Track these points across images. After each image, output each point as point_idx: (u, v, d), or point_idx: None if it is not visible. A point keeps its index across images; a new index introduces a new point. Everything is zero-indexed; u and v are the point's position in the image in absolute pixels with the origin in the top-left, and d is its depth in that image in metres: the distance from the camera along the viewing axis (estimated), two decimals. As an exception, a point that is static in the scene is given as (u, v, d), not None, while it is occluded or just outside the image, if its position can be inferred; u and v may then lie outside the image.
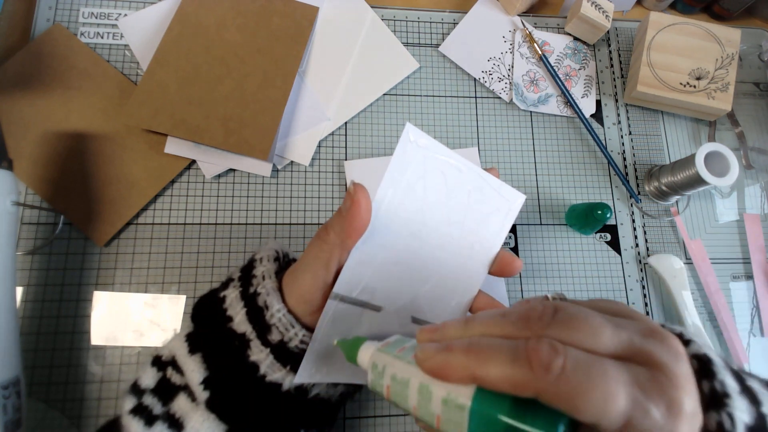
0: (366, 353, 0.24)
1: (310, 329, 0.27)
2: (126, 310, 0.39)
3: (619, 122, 0.50)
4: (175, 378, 0.27)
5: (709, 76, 0.48)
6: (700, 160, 0.42)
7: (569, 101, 0.49)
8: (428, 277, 0.30)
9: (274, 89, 0.44)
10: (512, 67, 0.50)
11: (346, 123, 0.46)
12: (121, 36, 0.45)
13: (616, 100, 0.51)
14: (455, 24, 0.51)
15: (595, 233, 0.46)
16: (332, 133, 0.46)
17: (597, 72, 0.52)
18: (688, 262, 0.46)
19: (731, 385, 0.19)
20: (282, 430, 0.27)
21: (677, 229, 0.47)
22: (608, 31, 0.53)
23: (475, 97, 0.49)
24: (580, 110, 0.48)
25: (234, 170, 0.44)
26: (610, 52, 0.53)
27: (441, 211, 0.29)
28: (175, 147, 0.42)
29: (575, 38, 0.52)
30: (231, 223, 0.42)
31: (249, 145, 0.41)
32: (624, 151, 0.49)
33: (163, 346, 0.29)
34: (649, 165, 0.49)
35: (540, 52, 0.50)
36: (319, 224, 0.43)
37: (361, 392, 0.39)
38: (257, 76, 0.44)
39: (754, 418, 0.18)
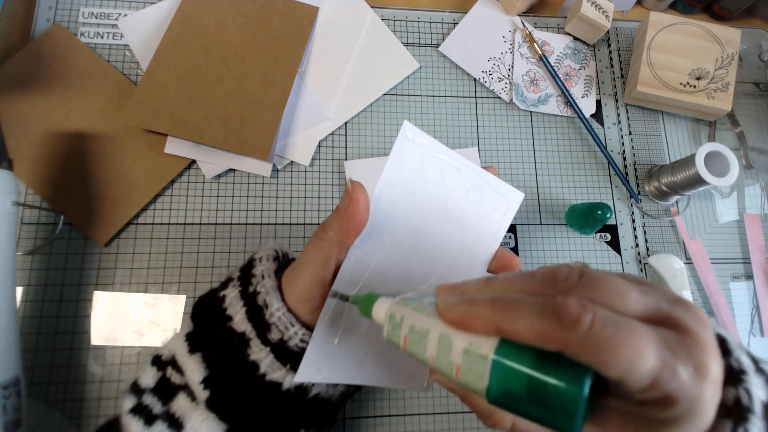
0: (382, 306, 0.23)
1: (310, 328, 0.27)
2: (126, 310, 0.39)
3: (619, 122, 0.50)
4: (175, 377, 0.27)
5: (709, 76, 0.48)
6: (700, 160, 0.42)
7: (569, 101, 0.49)
8: (427, 275, 0.30)
9: (274, 89, 0.44)
10: (512, 67, 0.50)
11: (346, 123, 0.46)
12: (121, 36, 0.45)
13: (616, 100, 0.51)
14: (455, 24, 0.51)
15: (595, 233, 0.46)
16: (332, 133, 0.46)
17: (597, 72, 0.52)
18: (688, 262, 0.46)
19: (747, 362, 0.19)
20: (282, 430, 0.27)
21: (677, 229, 0.47)
22: (608, 31, 0.53)
23: (475, 97, 0.49)
24: (580, 110, 0.48)
25: (234, 170, 0.44)
26: (610, 52, 0.53)
27: (439, 209, 0.29)
28: (175, 147, 0.42)
29: (575, 38, 0.52)
30: (231, 223, 0.42)
31: (249, 145, 0.41)
32: (624, 151, 0.49)
33: (163, 346, 0.29)
34: (649, 165, 0.49)
35: (540, 52, 0.50)
36: (319, 224, 0.43)
37: (361, 392, 0.39)
38: (257, 76, 0.44)
39: None
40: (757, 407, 0.18)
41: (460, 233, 0.30)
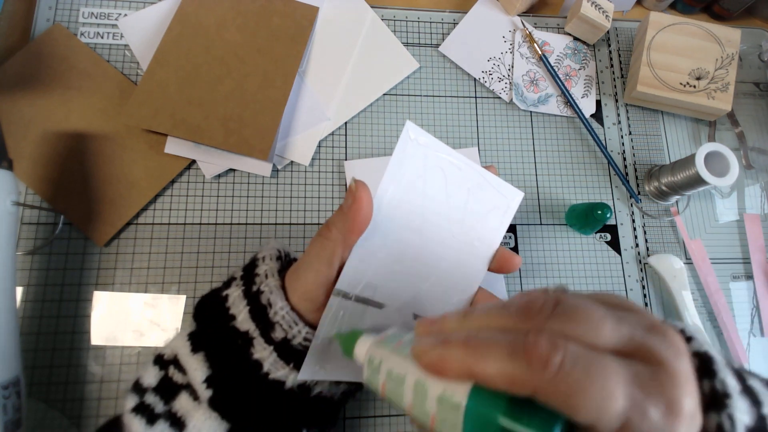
0: (362, 347, 0.24)
1: (313, 327, 0.27)
2: (126, 310, 0.39)
3: (619, 122, 0.50)
4: (177, 377, 0.27)
5: (709, 76, 0.48)
6: (700, 160, 0.42)
7: (569, 101, 0.49)
8: (429, 274, 0.30)
9: (274, 89, 0.44)
10: (512, 67, 0.50)
11: (346, 123, 0.46)
12: (121, 36, 0.45)
13: (616, 100, 0.51)
14: (455, 24, 0.51)
15: (595, 233, 0.46)
16: (332, 133, 0.46)
17: (597, 72, 0.52)
18: (688, 262, 0.46)
19: (732, 384, 0.18)
20: (284, 429, 0.27)
21: (677, 229, 0.47)
22: (608, 31, 0.53)
23: (475, 97, 0.49)
24: (580, 110, 0.48)
25: (234, 170, 0.44)
26: (610, 52, 0.53)
27: (441, 208, 0.29)
28: (175, 147, 0.42)
29: (575, 38, 0.52)
30: (231, 223, 0.42)
31: (249, 145, 0.41)
32: (624, 151, 0.49)
33: (165, 345, 0.29)
34: (649, 165, 0.49)
35: (540, 52, 0.50)
36: (319, 224, 0.43)
37: (362, 391, 0.39)
38: (257, 76, 0.44)
39: (755, 420, 0.18)
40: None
41: (462, 232, 0.30)
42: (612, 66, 0.52)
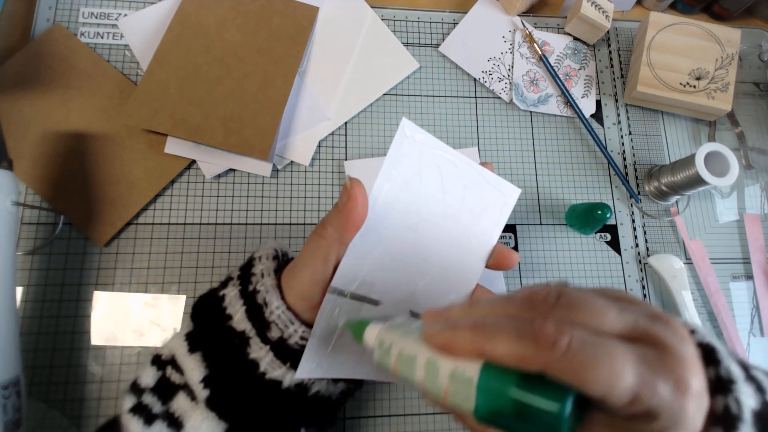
0: (372, 332, 0.24)
1: (310, 325, 0.27)
2: (126, 310, 0.39)
3: (619, 122, 0.50)
4: (175, 377, 0.27)
5: (709, 76, 0.48)
6: (700, 160, 0.42)
7: (569, 101, 0.49)
8: (426, 271, 0.30)
9: (274, 89, 0.44)
10: (512, 67, 0.50)
11: (346, 123, 0.46)
12: (121, 36, 0.45)
13: (616, 100, 0.51)
14: (455, 24, 0.51)
15: (595, 233, 0.46)
16: (332, 133, 0.46)
17: (597, 72, 0.52)
18: (688, 262, 0.46)
19: (736, 371, 0.19)
20: (282, 428, 0.27)
21: (677, 229, 0.47)
22: (608, 31, 0.53)
23: (475, 97, 0.49)
24: (580, 110, 0.48)
25: (234, 170, 0.44)
26: (610, 52, 0.53)
27: (437, 205, 0.29)
28: (175, 147, 0.42)
29: (575, 38, 0.52)
30: (231, 223, 0.42)
31: (249, 145, 0.41)
32: (624, 151, 0.49)
33: (163, 346, 0.29)
34: (649, 165, 0.49)
35: (540, 52, 0.50)
36: (319, 224, 0.43)
37: (361, 390, 0.39)
38: (257, 76, 0.44)
39: (760, 404, 0.19)
40: (747, 415, 0.18)
41: (458, 229, 0.30)
42: (612, 66, 0.52)
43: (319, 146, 0.45)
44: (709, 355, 0.19)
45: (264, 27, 0.45)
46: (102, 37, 0.45)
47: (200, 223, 0.42)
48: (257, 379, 0.26)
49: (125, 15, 0.46)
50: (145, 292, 0.40)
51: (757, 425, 0.18)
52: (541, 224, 0.46)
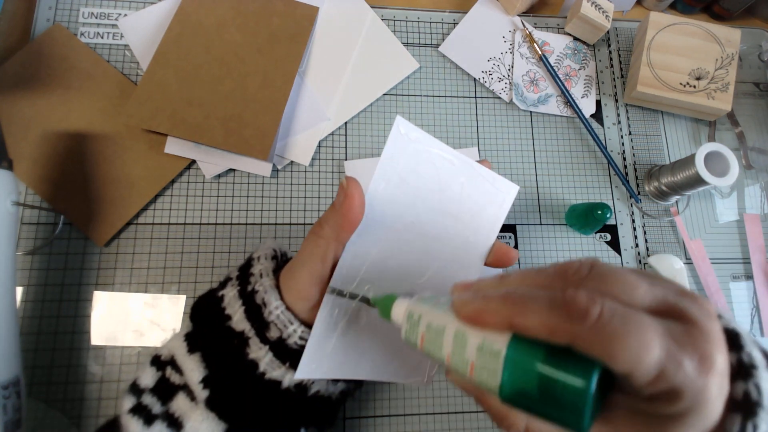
0: (401, 305, 0.24)
1: (309, 325, 0.27)
2: (126, 310, 0.39)
3: (619, 122, 0.50)
4: (174, 377, 0.28)
5: (709, 76, 0.48)
6: (700, 160, 0.42)
7: (569, 101, 0.49)
8: (424, 270, 0.30)
9: (274, 89, 0.44)
10: (512, 67, 0.50)
11: (346, 123, 0.46)
12: (121, 36, 0.45)
13: (616, 100, 0.51)
14: (455, 24, 0.51)
15: (595, 233, 0.46)
16: (332, 133, 0.46)
17: (597, 72, 0.52)
18: (688, 262, 0.46)
19: (758, 357, 0.19)
20: (282, 428, 0.27)
21: (677, 229, 0.47)
22: (608, 31, 0.53)
23: (475, 97, 0.49)
24: (580, 110, 0.48)
25: (234, 170, 0.44)
26: (610, 52, 0.53)
27: (434, 203, 0.29)
28: (175, 147, 0.42)
29: (575, 38, 0.52)
30: (231, 223, 0.42)
31: (249, 145, 0.41)
32: (624, 151, 0.49)
33: (162, 346, 0.29)
34: (649, 165, 0.49)
35: (540, 52, 0.50)
36: (319, 224, 0.43)
37: (361, 390, 0.39)
38: (257, 76, 0.44)
39: None
40: (766, 401, 0.18)
41: (456, 227, 0.30)
42: (612, 66, 0.52)
43: (319, 146, 0.45)
44: (732, 341, 0.19)
45: (264, 27, 0.45)
46: (102, 37, 0.45)
47: (200, 223, 0.42)
48: (257, 379, 0.26)
49: (125, 15, 0.46)
50: (145, 292, 0.40)
51: None
52: (541, 224, 0.46)
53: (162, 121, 0.41)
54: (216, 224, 0.42)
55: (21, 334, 0.37)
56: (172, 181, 0.43)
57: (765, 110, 0.52)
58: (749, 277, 0.47)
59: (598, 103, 0.51)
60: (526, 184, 0.47)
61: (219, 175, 0.43)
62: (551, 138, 0.49)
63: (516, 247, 0.45)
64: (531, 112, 0.49)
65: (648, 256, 0.46)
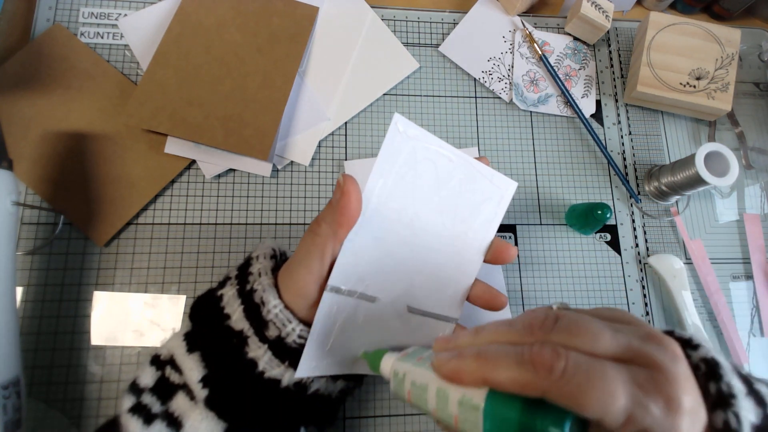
0: (387, 363, 0.26)
1: (309, 324, 0.27)
2: (126, 310, 0.39)
3: (619, 122, 0.50)
4: (174, 377, 0.28)
5: (709, 76, 0.48)
6: (700, 160, 0.42)
7: (569, 101, 0.49)
8: (422, 267, 0.30)
9: (274, 89, 0.44)
10: (512, 67, 0.50)
11: (346, 123, 0.46)
12: (121, 36, 0.45)
13: (616, 100, 0.51)
14: (455, 24, 0.51)
15: (595, 233, 0.46)
16: (332, 133, 0.46)
17: (597, 72, 0.52)
18: (688, 262, 0.46)
19: (737, 386, 0.19)
20: (282, 427, 0.27)
21: (677, 229, 0.47)
22: (608, 31, 0.53)
23: (475, 97, 0.49)
24: (580, 110, 0.48)
25: (234, 170, 0.44)
26: (610, 52, 0.53)
27: (432, 200, 0.29)
28: (175, 147, 0.42)
29: (575, 38, 0.52)
30: (231, 223, 0.42)
31: (249, 145, 0.41)
32: (624, 151, 0.49)
33: (162, 346, 0.29)
34: (649, 165, 0.49)
35: (540, 52, 0.50)
36: (319, 224, 0.43)
37: (361, 389, 0.39)
38: (257, 76, 0.44)
39: (761, 418, 0.19)
40: (746, 429, 0.18)
41: (455, 224, 0.30)
42: (612, 66, 0.52)
43: (319, 146, 0.45)
44: (711, 370, 0.20)
45: (264, 27, 0.45)
46: (102, 37, 0.45)
47: (200, 223, 0.42)
48: (256, 378, 0.26)
49: (125, 15, 0.46)
50: (145, 292, 0.40)
51: None
52: (541, 224, 0.46)
53: (162, 121, 0.41)
54: (216, 224, 0.42)
55: (21, 334, 0.37)
56: (172, 181, 0.43)
57: (765, 110, 0.52)
58: (749, 277, 0.47)
59: (598, 103, 0.51)
60: (526, 184, 0.47)
61: (219, 175, 0.43)
62: (551, 138, 0.49)
63: (516, 247, 0.45)
64: (531, 112, 0.49)
65: (648, 256, 0.46)
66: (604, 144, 0.48)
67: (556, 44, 0.52)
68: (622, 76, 0.52)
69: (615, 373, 0.17)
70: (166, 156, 0.42)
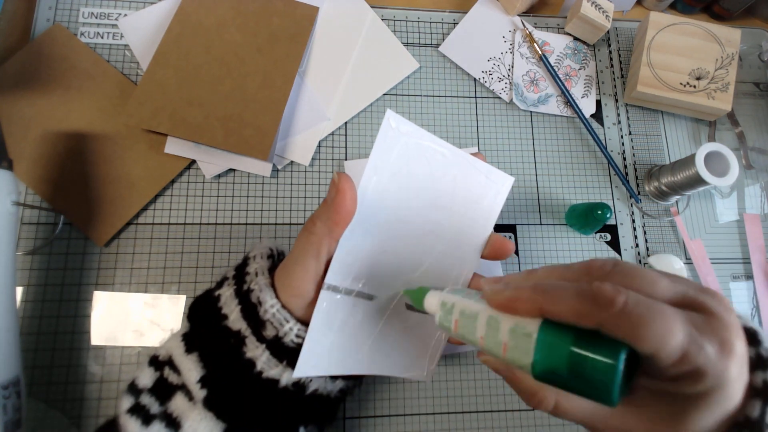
0: (434, 296, 0.26)
1: (306, 323, 0.27)
2: (126, 310, 0.39)
3: (619, 122, 0.50)
4: (172, 377, 0.28)
5: (709, 76, 0.48)
6: (700, 160, 0.42)
7: (569, 101, 0.49)
8: (419, 264, 0.30)
9: (274, 89, 0.44)
10: (512, 67, 0.50)
11: (346, 123, 0.46)
12: (121, 36, 0.45)
13: (616, 100, 0.51)
14: (455, 24, 0.51)
15: (595, 233, 0.46)
16: (332, 133, 0.46)
17: (597, 72, 0.52)
18: (688, 262, 0.46)
19: None
20: (281, 427, 0.27)
21: (677, 229, 0.47)
22: (608, 31, 0.53)
23: (475, 97, 0.49)
24: (580, 110, 0.48)
25: (234, 170, 0.44)
26: (610, 52, 0.53)
27: (427, 196, 0.29)
28: (175, 147, 0.42)
29: (575, 38, 0.52)
30: (231, 223, 0.42)
31: (249, 145, 0.41)
32: (624, 151, 0.49)
33: (160, 346, 0.29)
34: (649, 165, 0.49)
35: (540, 52, 0.50)
36: (318, 224, 0.43)
37: (361, 390, 0.39)
38: (257, 76, 0.44)
39: None
40: None
41: (450, 219, 0.30)
42: (612, 66, 0.52)
43: (319, 146, 0.45)
44: (751, 337, 0.20)
45: (264, 27, 0.45)
46: (102, 37, 0.45)
47: (200, 223, 0.42)
48: (254, 378, 0.26)
49: (125, 15, 0.46)
50: (145, 292, 0.40)
51: None
52: (541, 224, 0.46)
53: (162, 121, 0.41)
54: (216, 224, 0.42)
55: (21, 334, 0.37)
56: (172, 181, 0.43)
57: (765, 110, 0.52)
58: (749, 277, 0.47)
59: (598, 103, 0.50)
60: (526, 184, 0.47)
61: (219, 175, 0.43)
62: (551, 138, 0.49)
63: (516, 247, 0.45)
64: (531, 112, 0.49)
65: (648, 256, 0.46)
66: (604, 144, 0.48)
67: (556, 44, 0.52)
68: (622, 76, 0.52)
69: (674, 312, 0.17)
70: (166, 156, 0.42)
